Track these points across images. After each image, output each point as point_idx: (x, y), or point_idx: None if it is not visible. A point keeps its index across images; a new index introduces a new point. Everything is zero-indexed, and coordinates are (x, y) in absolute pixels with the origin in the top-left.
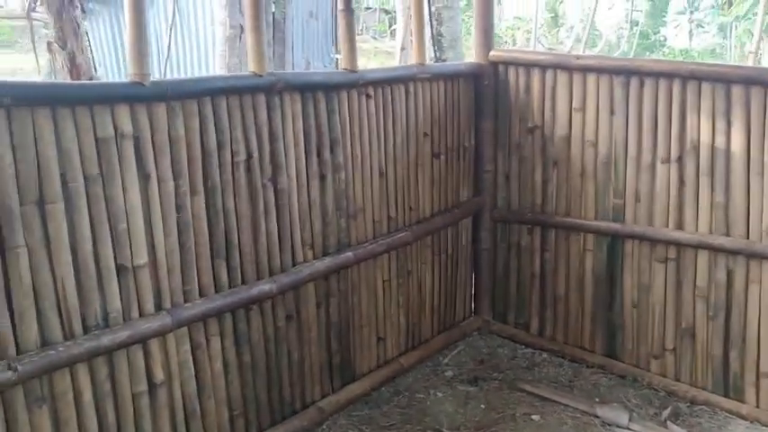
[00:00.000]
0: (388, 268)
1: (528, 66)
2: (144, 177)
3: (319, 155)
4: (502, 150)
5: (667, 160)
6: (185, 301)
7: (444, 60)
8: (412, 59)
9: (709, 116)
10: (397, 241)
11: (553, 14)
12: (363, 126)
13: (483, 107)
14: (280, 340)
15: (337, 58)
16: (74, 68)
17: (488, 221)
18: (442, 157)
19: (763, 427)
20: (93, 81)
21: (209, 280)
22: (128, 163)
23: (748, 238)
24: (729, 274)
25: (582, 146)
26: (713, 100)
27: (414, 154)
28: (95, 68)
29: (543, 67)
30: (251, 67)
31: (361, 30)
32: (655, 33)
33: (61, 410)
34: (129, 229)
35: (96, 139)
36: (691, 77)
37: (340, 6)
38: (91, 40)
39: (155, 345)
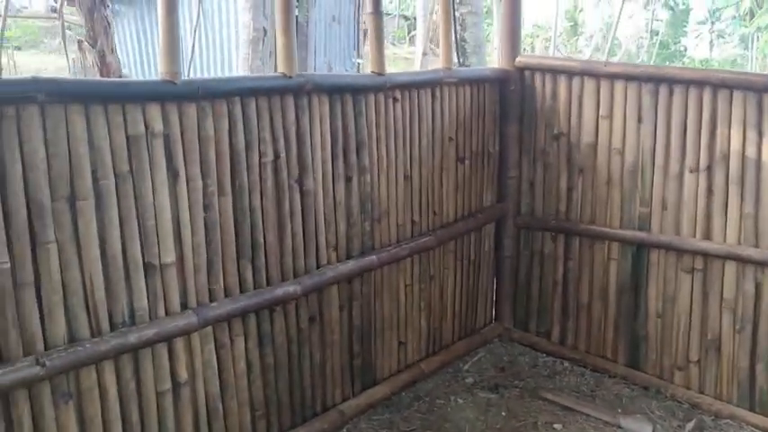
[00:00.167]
0: (410, 272)
1: (555, 72)
2: (173, 176)
3: (345, 157)
4: (527, 156)
5: (696, 169)
6: (211, 301)
7: (468, 66)
8: (433, 65)
9: (740, 125)
10: (421, 245)
11: (572, 23)
12: (389, 129)
13: (508, 112)
14: (302, 342)
15: (359, 63)
16: (104, 67)
17: (512, 228)
18: (467, 161)
19: None
20: (125, 79)
21: (235, 280)
22: (157, 161)
23: None
24: (758, 286)
25: (608, 153)
26: (744, 109)
27: (439, 158)
28: None
29: (570, 73)
30: (280, 68)
31: None
32: (675, 43)
33: (86, 407)
34: (157, 227)
35: (127, 137)
36: (722, 86)
37: (369, 9)
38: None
39: (180, 343)
